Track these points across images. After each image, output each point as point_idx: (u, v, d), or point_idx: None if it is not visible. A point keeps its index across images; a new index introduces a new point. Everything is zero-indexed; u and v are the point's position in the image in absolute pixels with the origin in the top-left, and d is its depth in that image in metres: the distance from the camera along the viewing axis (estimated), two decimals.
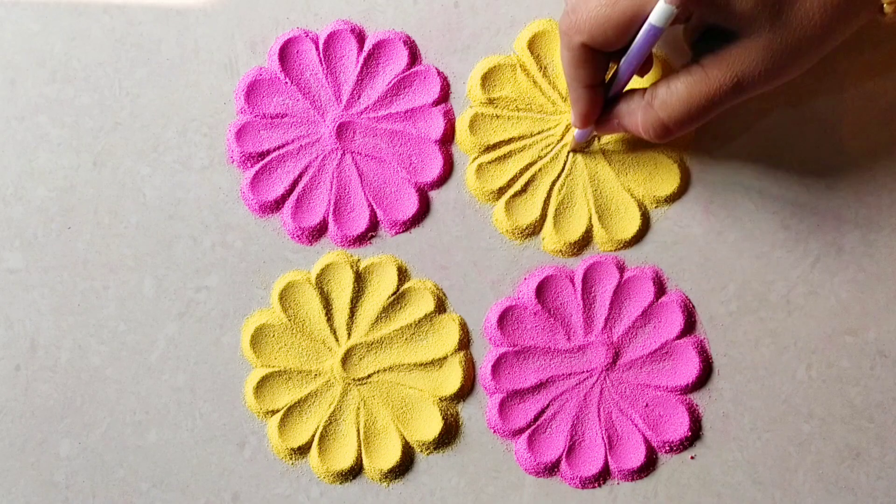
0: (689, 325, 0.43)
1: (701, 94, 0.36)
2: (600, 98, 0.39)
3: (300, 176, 0.43)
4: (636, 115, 0.38)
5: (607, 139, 0.43)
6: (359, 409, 0.43)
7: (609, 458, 0.42)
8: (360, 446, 0.42)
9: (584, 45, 0.36)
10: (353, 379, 0.43)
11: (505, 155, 0.43)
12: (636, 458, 0.42)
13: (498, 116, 0.43)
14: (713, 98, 0.36)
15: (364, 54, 0.43)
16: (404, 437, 0.43)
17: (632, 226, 0.43)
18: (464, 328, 0.43)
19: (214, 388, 0.43)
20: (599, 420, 0.43)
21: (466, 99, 0.43)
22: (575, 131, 0.41)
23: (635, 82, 0.41)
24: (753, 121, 0.43)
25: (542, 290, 0.43)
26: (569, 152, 0.43)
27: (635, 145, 0.43)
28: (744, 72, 0.36)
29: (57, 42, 0.43)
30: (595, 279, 0.43)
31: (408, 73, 0.43)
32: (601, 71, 0.38)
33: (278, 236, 0.43)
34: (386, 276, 0.43)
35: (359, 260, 0.43)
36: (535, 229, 0.43)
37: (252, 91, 0.43)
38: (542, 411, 0.43)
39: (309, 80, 0.43)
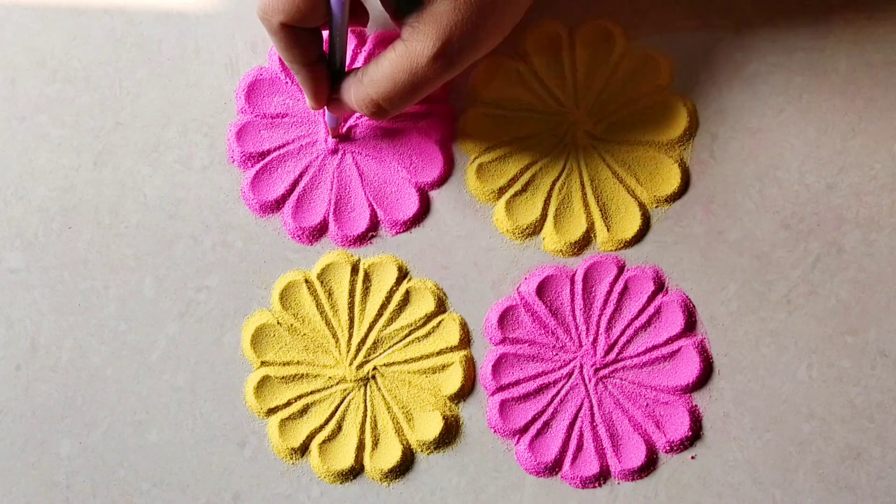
0: (690, 325, 0.43)
1: (404, 70, 0.35)
2: (323, 75, 0.38)
3: (300, 176, 0.43)
4: (350, 92, 0.37)
5: (611, 137, 0.43)
6: (359, 408, 0.43)
7: (609, 458, 0.42)
8: (360, 446, 0.42)
9: (284, 24, 0.35)
10: (354, 379, 0.43)
11: (505, 155, 0.43)
12: (636, 458, 0.42)
13: (498, 116, 0.43)
14: (417, 72, 0.35)
15: (364, 54, 0.43)
16: (404, 437, 0.43)
17: (632, 225, 0.43)
18: (464, 328, 0.43)
19: (215, 387, 0.43)
20: (600, 420, 0.42)
21: (467, 99, 0.43)
22: (326, 118, 0.41)
23: None
24: (753, 120, 0.43)
25: (542, 290, 0.43)
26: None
27: (635, 145, 0.43)
28: (442, 38, 0.34)
29: (57, 42, 0.43)
30: (595, 279, 0.43)
31: None
32: (313, 46, 0.37)
33: (279, 236, 0.43)
34: (386, 275, 0.43)
35: (359, 260, 0.43)
36: (535, 229, 0.43)
37: (252, 91, 0.43)
38: (543, 411, 0.43)
39: None
